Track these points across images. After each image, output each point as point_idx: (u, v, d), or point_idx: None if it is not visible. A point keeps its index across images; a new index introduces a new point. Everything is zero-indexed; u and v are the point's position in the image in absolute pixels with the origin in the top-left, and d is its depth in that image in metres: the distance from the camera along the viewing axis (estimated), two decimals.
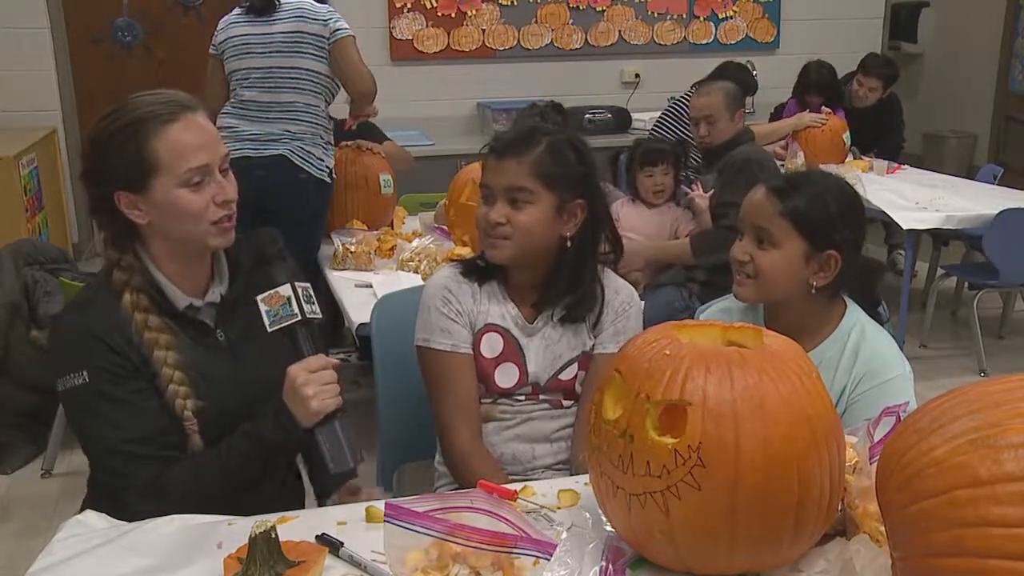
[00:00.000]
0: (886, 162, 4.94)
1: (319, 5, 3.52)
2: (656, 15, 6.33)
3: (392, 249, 3.25)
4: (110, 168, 1.52)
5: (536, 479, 1.74)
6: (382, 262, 3.19)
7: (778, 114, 5.45)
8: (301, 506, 1.78)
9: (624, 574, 1.28)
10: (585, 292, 1.85)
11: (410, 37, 5.95)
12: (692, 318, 1.77)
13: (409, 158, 4.18)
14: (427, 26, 5.96)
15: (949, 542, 0.99)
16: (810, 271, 1.76)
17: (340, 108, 3.82)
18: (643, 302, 2.02)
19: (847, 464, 1.29)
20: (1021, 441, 0.97)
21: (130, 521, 1.45)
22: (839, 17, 6.54)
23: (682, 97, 4.78)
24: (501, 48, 6.11)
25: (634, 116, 5.91)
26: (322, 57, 3.48)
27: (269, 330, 1.53)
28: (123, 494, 1.50)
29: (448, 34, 5.99)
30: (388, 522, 1.26)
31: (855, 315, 1.83)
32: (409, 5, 5.90)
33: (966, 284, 4.93)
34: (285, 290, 1.54)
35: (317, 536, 1.36)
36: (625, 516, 1.25)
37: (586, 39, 6.25)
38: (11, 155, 4.47)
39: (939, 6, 7.58)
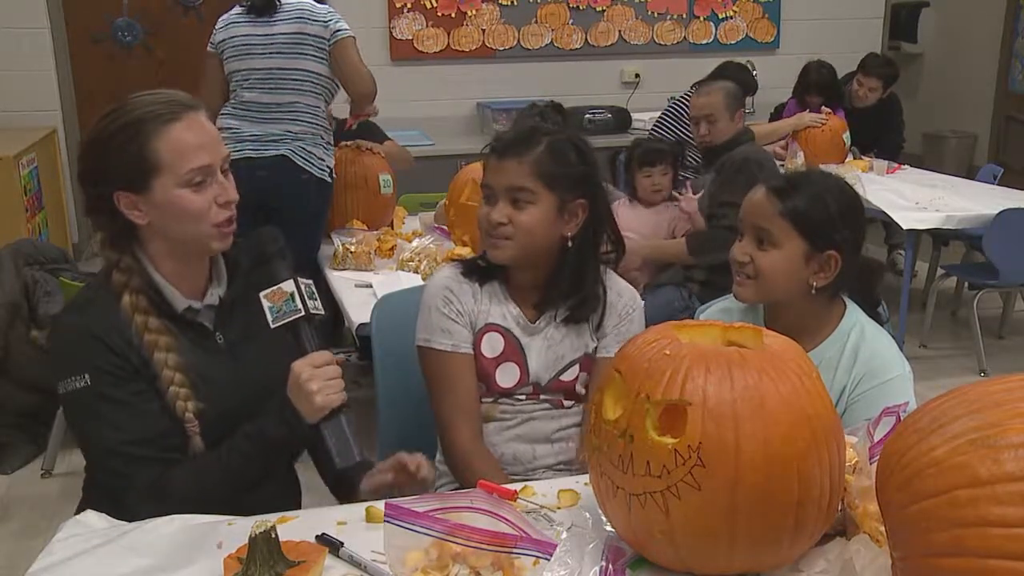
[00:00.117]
0: (886, 162, 4.94)
1: (319, 6, 3.51)
2: (656, 15, 6.33)
3: (392, 249, 3.25)
4: (110, 168, 1.51)
5: (537, 479, 1.74)
6: (382, 262, 3.19)
7: (778, 114, 5.45)
8: (298, 505, 1.78)
9: (624, 574, 1.28)
10: (587, 292, 1.84)
11: (410, 37, 5.95)
12: (692, 318, 1.77)
13: (409, 158, 4.18)
14: (427, 26, 5.96)
15: (949, 542, 0.99)
16: (810, 271, 1.76)
17: (342, 108, 3.82)
18: (643, 302, 2.01)
19: (847, 464, 1.29)
20: (1021, 441, 0.97)
21: (130, 521, 1.45)
22: (839, 17, 6.54)
23: (682, 97, 4.78)
24: (501, 48, 6.11)
25: (634, 116, 5.91)
26: (322, 58, 3.47)
27: (272, 326, 1.53)
28: (123, 495, 1.50)
29: (448, 34, 6.00)
30: (388, 522, 1.26)
31: (855, 315, 1.83)
32: (409, 5, 5.90)
33: (966, 284, 4.93)
34: (288, 286, 1.54)
35: (317, 536, 1.36)
36: (625, 516, 1.25)
37: (586, 39, 6.25)
38: (11, 155, 4.47)
39: (939, 6, 7.58)
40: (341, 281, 3.06)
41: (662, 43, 6.38)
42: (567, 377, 1.87)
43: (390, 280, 2.95)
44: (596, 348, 1.88)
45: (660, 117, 5.00)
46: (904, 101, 5.62)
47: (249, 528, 1.25)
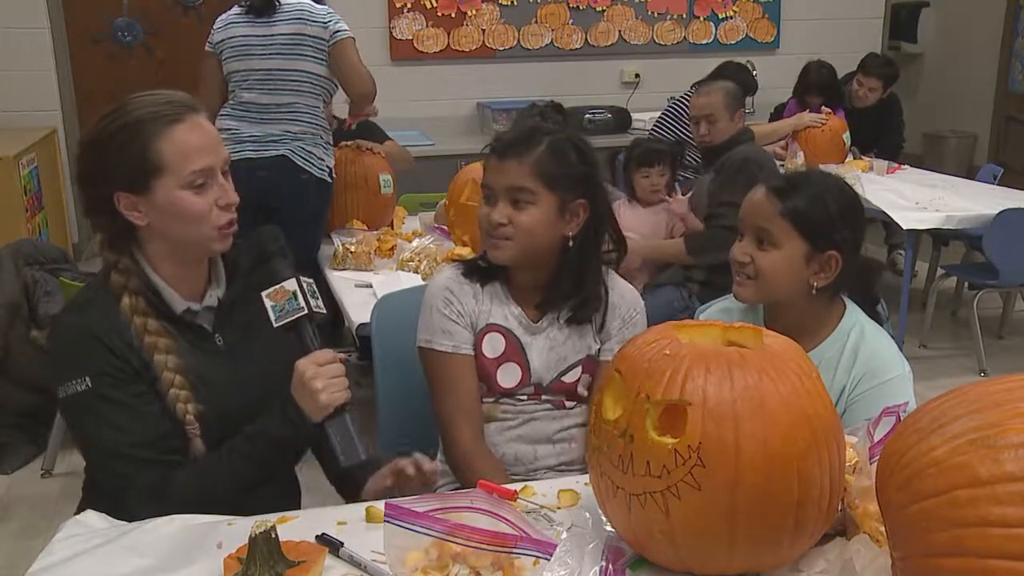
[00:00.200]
0: (886, 162, 4.94)
1: (318, 6, 3.51)
2: (656, 15, 6.33)
3: (392, 249, 3.25)
4: (110, 168, 1.51)
5: (538, 480, 1.74)
6: (382, 262, 3.19)
7: (778, 114, 5.45)
8: (299, 506, 1.78)
9: (624, 574, 1.28)
10: (589, 292, 1.84)
11: (410, 37, 5.95)
12: (692, 318, 1.77)
13: (410, 158, 4.18)
14: (427, 26, 5.96)
15: (949, 542, 0.99)
16: (810, 271, 1.76)
17: (342, 108, 3.83)
18: (643, 303, 2.01)
19: (847, 464, 1.29)
20: (1021, 441, 0.97)
21: (130, 521, 1.45)
22: (839, 17, 6.54)
23: (682, 97, 4.78)
24: (501, 48, 6.11)
25: (634, 116, 5.91)
26: (321, 59, 3.47)
27: (275, 325, 1.53)
28: (125, 497, 1.49)
29: (448, 34, 6.00)
30: (388, 522, 1.26)
31: (854, 315, 1.83)
32: (409, 5, 5.90)
33: (966, 284, 4.93)
34: (291, 284, 1.54)
35: (317, 536, 1.36)
36: (625, 516, 1.25)
37: (586, 39, 6.25)
38: (11, 155, 4.47)
39: (939, 6, 7.58)
40: (341, 281, 3.06)
41: (662, 43, 6.38)
42: (569, 378, 1.87)
43: (390, 280, 2.95)
44: (599, 350, 1.88)
45: (660, 117, 5.01)
46: (904, 101, 5.62)
47: (249, 528, 1.25)
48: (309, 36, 3.45)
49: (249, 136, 3.44)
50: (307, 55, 3.46)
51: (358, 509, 1.48)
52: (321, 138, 3.54)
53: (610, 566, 1.28)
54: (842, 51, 5.94)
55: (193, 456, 1.56)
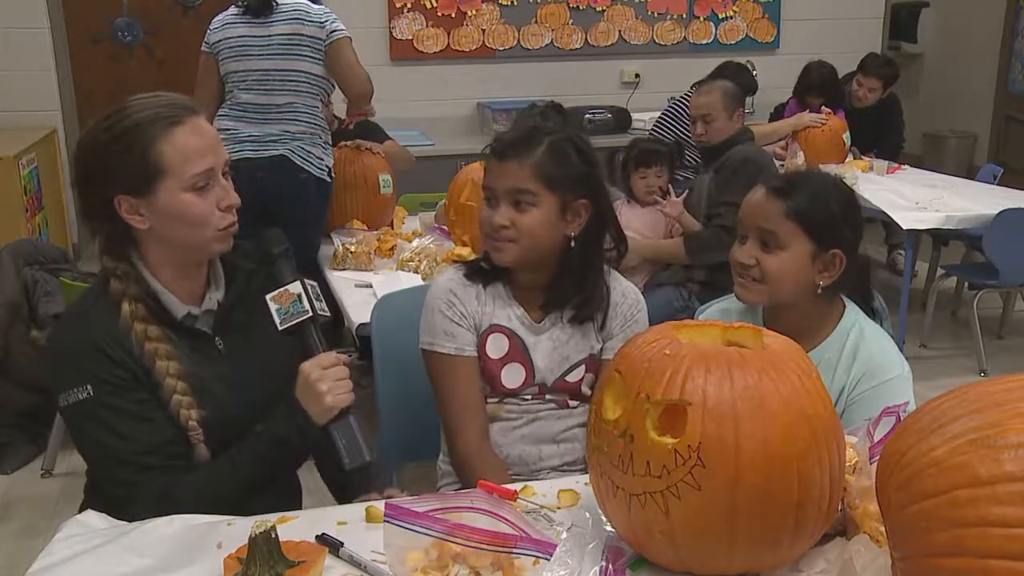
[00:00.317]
0: (886, 162, 4.94)
1: (315, 6, 3.51)
2: (656, 15, 6.33)
3: (392, 249, 3.25)
4: (111, 172, 1.50)
5: (539, 480, 1.74)
6: (382, 262, 3.19)
7: (778, 114, 5.45)
8: (299, 506, 1.78)
9: (624, 574, 1.28)
10: (592, 292, 1.84)
11: (410, 37, 5.95)
12: (691, 318, 1.77)
13: (410, 158, 4.18)
14: (427, 26, 5.95)
15: (949, 542, 0.99)
16: (815, 271, 1.76)
17: (344, 107, 3.83)
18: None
19: (847, 464, 1.29)
20: (1021, 441, 0.97)
21: (130, 522, 1.45)
22: (839, 17, 6.54)
23: (682, 97, 4.78)
24: (501, 48, 6.11)
25: (634, 116, 5.91)
26: (318, 59, 3.48)
27: (280, 328, 1.52)
28: (131, 504, 1.48)
29: (448, 34, 5.99)
30: (388, 522, 1.26)
31: (854, 315, 1.83)
32: (409, 5, 5.90)
33: (966, 284, 4.93)
34: (295, 287, 1.54)
35: (317, 536, 1.36)
36: (625, 516, 1.25)
37: (586, 39, 6.25)
38: (11, 155, 4.47)
39: (939, 6, 7.58)
40: (341, 281, 3.06)
41: (662, 43, 6.38)
42: (573, 378, 1.87)
43: (390, 280, 2.95)
44: (602, 349, 1.88)
45: (660, 117, 5.00)
46: (904, 101, 5.62)
47: (249, 528, 1.25)
48: (306, 36, 3.45)
49: (248, 136, 3.44)
50: (304, 55, 3.46)
51: (358, 509, 1.48)
52: (320, 138, 3.54)
53: (610, 566, 1.28)
54: (842, 51, 5.93)
55: (197, 462, 1.56)
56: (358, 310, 2.71)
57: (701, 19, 6.40)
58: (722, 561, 1.22)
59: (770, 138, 4.83)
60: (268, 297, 1.54)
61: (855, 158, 5.02)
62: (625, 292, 1.91)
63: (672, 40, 6.38)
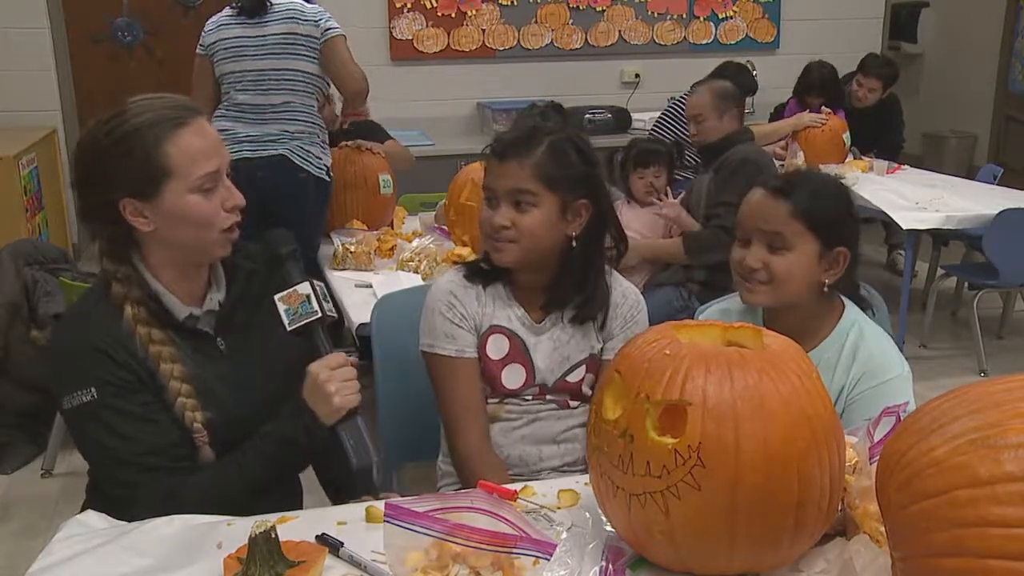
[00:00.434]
0: (886, 162, 4.94)
1: (309, 5, 3.52)
2: (656, 15, 6.33)
3: (392, 249, 3.25)
4: (116, 175, 1.49)
5: (539, 480, 1.74)
6: (382, 262, 3.18)
7: (778, 114, 5.45)
8: (300, 506, 1.78)
9: (624, 574, 1.28)
10: (592, 292, 1.84)
11: (410, 37, 5.94)
12: (691, 318, 1.77)
13: (411, 158, 4.19)
14: (427, 26, 5.95)
15: (949, 542, 0.99)
16: (821, 270, 1.76)
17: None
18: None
19: (847, 464, 1.29)
20: (1021, 441, 0.97)
21: (131, 522, 1.45)
22: (839, 17, 6.54)
23: (682, 97, 4.78)
24: (501, 48, 6.11)
25: (634, 116, 5.91)
26: (314, 58, 3.48)
27: (288, 328, 1.53)
28: (135, 506, 1.47)
29: (448, 34, 5.99)
30: (388, 522, 1.26)
31: (853, 315, 1.83)
32: (409, 5, 5.90)
33: (966, 284, 4.93)
34: (304, 288, 1.54)
35: (317, 536, 1.36)
36: (625, 516, 1.25)
37: (586, 39, 6.25)
38: (11, 155, 4.47)
39: (939, 6, 7.58)
40: (341, 281, 3.05)
41: (662, 43, 6.37)
42: (573, 378, 1.86)
43: (390, 280, 2.95)
44: (602, 350, 1.88)
45: (660, 117, 5.01)
46: (904, 101, 5.62)
47: (249, 528, 1.25)
48: (301, 35, 3.45)
49: (246, 136, 3.45)
50: (300, 54, 3.46)
51: (358, 509, 1.48)
52: (318, 137, 3.55)
53: (610, 566, 1.28)
54: (842, 51, 5.93)
55: (202, 464, 1.56)
56: (358, 310, 2.71)
57: (701, 19, 6.40)
58: (722, 561, 1.22)
59: (770, 138, 4.83)
60: (277, 297, 1.54)
61: (855, 158, 5.02)
62: (625, 292, 1.91)
63: (672, 40, 6.38)
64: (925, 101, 7.54)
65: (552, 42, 6.20)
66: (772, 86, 5.77)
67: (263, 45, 3.45)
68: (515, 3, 6.06)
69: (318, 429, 1.52)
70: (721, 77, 4.28)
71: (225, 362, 1.62)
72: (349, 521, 1.44)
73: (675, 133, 4.68)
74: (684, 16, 6.36)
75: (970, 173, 5.78)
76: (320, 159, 3.53)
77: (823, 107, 4.97)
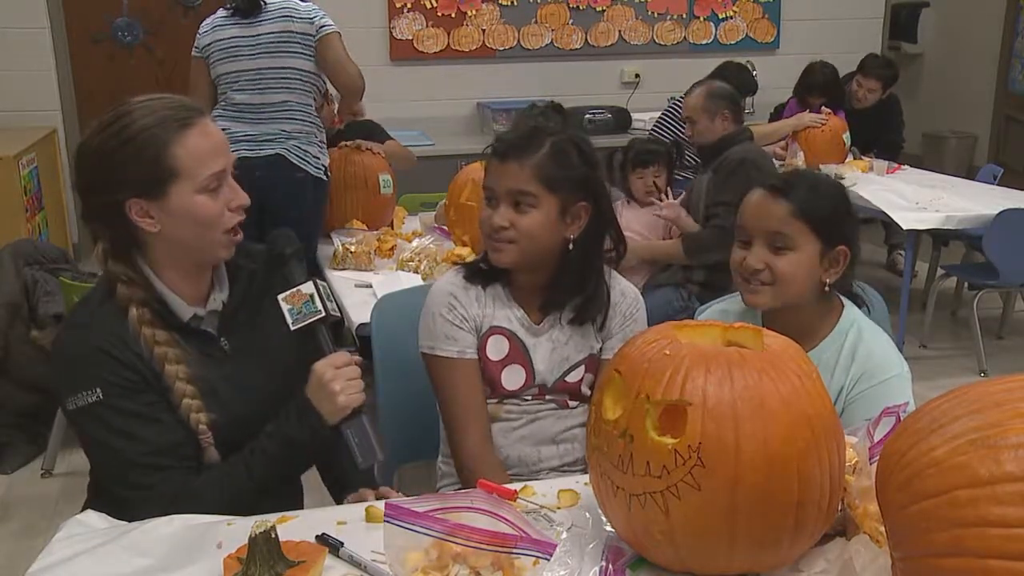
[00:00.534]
0: (886, 162, 4.94)
1: (303, 3, 3.52)
2: (656, 15, 6.33)
3: (392, 249, 3.25)
4: (123, 176, 1.48)
5: (539, 480, 1.74)
6: (382, 262, 3.18)
7: (778, 114, 5.45)
8: (300, 506, 1.78)
9: (624, 574, 1.28)
10: (591, 293, 1.84)
11: (410, 37, 5.95)
12: (691, 318, 1.76)
13: (412, 158, 4.18)
14: (427, 26, 5.96)
15: (949, 542, 0.99)
16: (823, 269, 1.76)
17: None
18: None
19: (847, 464, 1.29)
20: (1021, 441, 0.97)
21: (131, 522, 1.45)
22: (839, 17, 6.54)
23: (682, 97, 4.78)
24: (501, 48, 6.11)
25: (634, 116, 5.91)
26: (309, 55, 3.49)
27: (292, 328, 1.53)
28: (144, 507, 1.47)
29: (448, 34, 5.99)
30: (388, 522, 1.26)
31: (852, 315, 1.82)
32: (409, 5, 5.90)
33: (966, 284, 4.93)
34: (308, 287, 1.54)
35: (317, 536, 1.36)
36: (625, 516, 1.25)
37: (586, 39, 6.25)
38: (11, 155, 4.47)
39: (939, 6, 7.58)
40: (341, 281, 3.05)
41: (662, 43, 6.38)
42: (572, 378, 1.86)
43: (390, 280, 2.95)
44: (601, 349, 1.88)
45: (660, 117, 5.01)
46: (904, 101, 5.62)
47: (249, 528, 1.25)
48: (296, 33, 3.46)
49: (243, 135, 3.45)
50: (295, 52, 3.47)
51: (358, 509, 1.48)
52: (315, 136, 3.55)
53: (610, 566, 1.28)
54: (842, 51, 5.93)
55: (208, 465, 1.56)
56: (358, 310, 2.71)
57: (701, 19, 6.40)
58: (722, 561, 1.22)
59: (770, 138, 4.83)
60: (280, 297, 1.54)
61: (855, 158, 5.02)
62: (624, 291, 1.91)
63: (672, 40, 6.38)
64: (925, 101, 7.54)
65: (552, 42, 6.20)
66: (772, 86, 5.78)
67: (258, 44, 3.45)
68: (515, 3, 6.06)
69: (322, 428, 1.52)
70: (721, 77, 4.29)
71: (229, 363, 1.62)
72: (349, 521, 1.44)
73: (675, 133, 4.68)
74: (684, 16, 6.36)
75: (970, 173, 5.77)
76: (318, 159, 3.53)
77: (823, 107, 4.98)
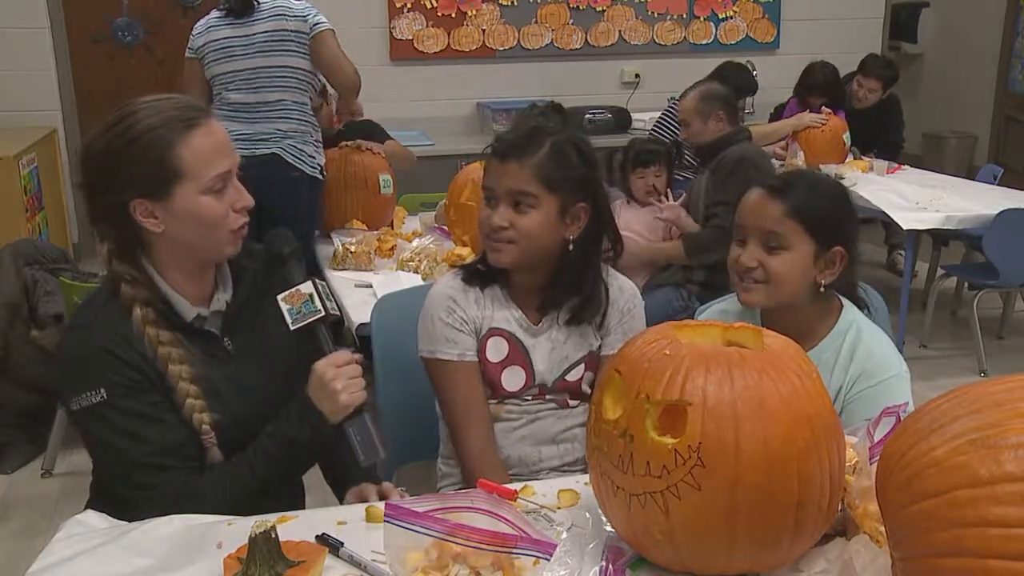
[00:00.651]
0: (886, 162, 4.94)
1: (296, 1, 3.52)
2: (656, 15, 6.33)
3: (392, 249, 3.25)
4: (128, 176, 1.48)
5: (539, 480, 1.74)
6: (382, 262, 3.18)
7: (778, 114, 5.45)
8: (301, 506, 1.78)
9: (624, 574, 1.28)
10: (590, 294, 1.84)
11: (410, 37, 5.95)
12: (691, 318, 1.76)
13: (412, 157, 4.19)
14: (427, 26, 5.96)
15: (949, 542, 0.99)
16: (817, 270, 1.76)
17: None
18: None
19: (847, 464, 1.29)
20: (1021, 441, 0.97)
21: (131, 521, 1.45)
22: (839, 17, 6.55)
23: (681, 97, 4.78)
24: (501, 48, 6.11)
25: (634, 116, 5.91)
26: (304, 53, 3.49)
27: (292, 328, 1.53)
28: (147, 506, 1.47)
29: (448, 34, 6.00)
30: (388, 522, 1.26)
31: (851, 315, 1.82)
32: (409, 5, 5.90)
33: (966, 284, 4.93)
34: (307, 287, 1.54)
35: (317, 536, 1.36)
36: (625, 516, 1.25)
37: (586, 39, 6.25)
38: (11, 155, 4.47)
39: (939, 6, 7.58)
40: (341, 281, 3.05)
41: (662, 43, 6.38)
42: (572, 377, 1.86)
43: (390, 280, 2.95)
44: (600, 346, 1.88)
45: (660, 117, 5.01)
46: (904, 101, 5.62)
47: (249, 528, 1.25)
48: (290, 31, 3.46)
49: (239, 134, 3.44)
50: (290, 50, 3.47)
51: (358, 509, 1.48)
52: (311, 135, 3.55)
53: (610, 566, 1.28)
54: (842, 51, 5.94)
55: (212, 465, 1.56)
56: (358, 310, 2.71)
57: (701, 19, 6.40)
58: (722, 561, 1.22)
59: (770, 138, 4.83)
60: (279, 297, 1.54)
61: (855, 158, 5.02)
62: (622, 287, 1.91)
63: (672, 40, 6.38)
64: (925, 101, 7.54)
65: (552, 42, 6.20)
66: (772, 86, 5.78)
67: (253, 44, 3.45)
68: (515, 3, 6.07)
69: (324, 427, 1.52)
70: (721, 77, 4.29)
71: (232, 363, 1.62)
72: (349, 521, 1.44)
73: (675, 133, 4.68)
74: (684, 16, 6.37)
75: (970, 173, 5.78)
76: (313, 158, 3.53)
77: (823, 107, 4.97)
